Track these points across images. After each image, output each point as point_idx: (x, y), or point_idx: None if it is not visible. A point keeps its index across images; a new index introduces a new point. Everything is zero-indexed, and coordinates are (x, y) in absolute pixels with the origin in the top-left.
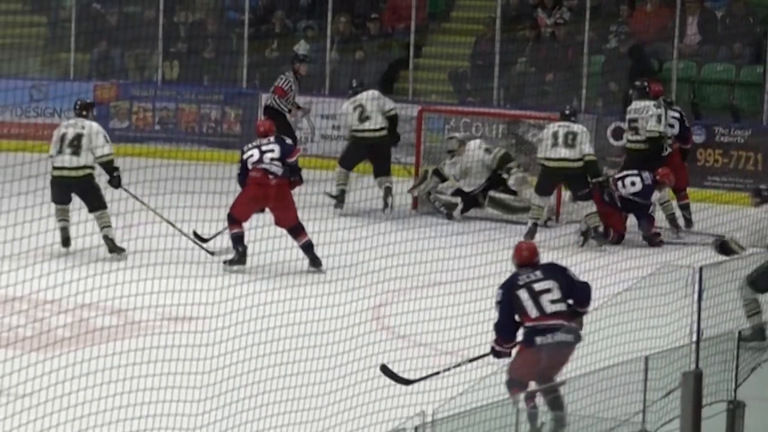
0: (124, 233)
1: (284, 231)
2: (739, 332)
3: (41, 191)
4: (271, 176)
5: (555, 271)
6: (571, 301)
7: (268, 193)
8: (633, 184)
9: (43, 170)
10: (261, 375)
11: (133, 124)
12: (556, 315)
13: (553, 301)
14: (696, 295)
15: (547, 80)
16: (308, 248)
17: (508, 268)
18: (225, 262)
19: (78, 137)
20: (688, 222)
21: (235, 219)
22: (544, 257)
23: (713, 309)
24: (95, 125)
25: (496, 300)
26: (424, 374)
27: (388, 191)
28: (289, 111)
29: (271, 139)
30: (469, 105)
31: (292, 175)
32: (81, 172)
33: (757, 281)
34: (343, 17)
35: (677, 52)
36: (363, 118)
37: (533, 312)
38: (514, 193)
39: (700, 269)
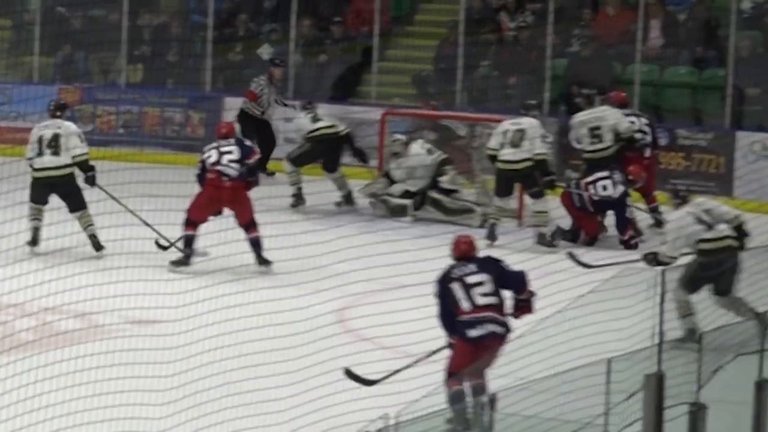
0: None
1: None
2: (700, 335)
3: (5, 195)
4: (225, 178)
5: (489, 265)
6: (507, 294)
7: (222, 195)
8: (605, 188)
9: (6, 173)
10: (226, 378)
11: (97, 127)
12: (487, 308)
13: (484, 294)
14: (658, 298)
15: (510, 83)
16: (255, 244)
17: None
18: (170, 262)
19: (56, 137)
20: (659, 223)
21: (191, 221)
22: (510, 260)
23: (676, 311)
24: (71, 125)
25: (435, 293)
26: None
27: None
28: (262, 113)
29: (231, 141)
30: (430, 108)
31: (249, 176)
32: (64, 171)
33: (689, 283)
34: (306, 20)
35: (640, 56)
36: (316, 119)
37: (465, 305)
38: (453, 193)
39: (663, 272)
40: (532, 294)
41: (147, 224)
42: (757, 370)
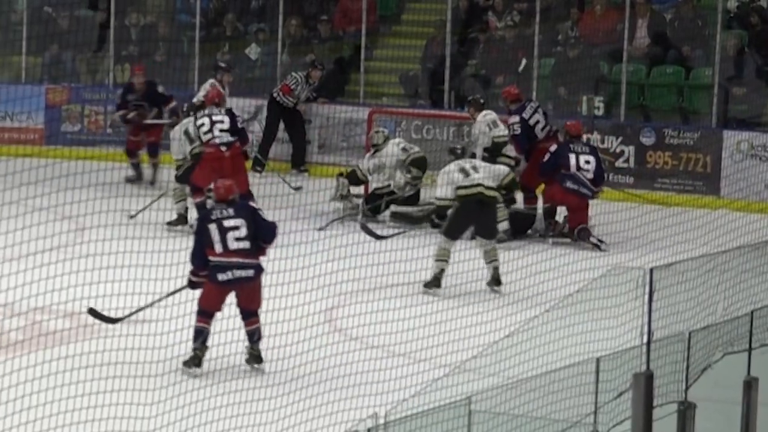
0: (77, 237)
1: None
2: (690, 333)
3: None
4: (224, 148)
5: (246, 211)
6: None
7: (224, 165)
8: (588, 162)
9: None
10: (216, 377)
11: (85, 127)
12: (237, 252)
13: (238, 239)
14: (647, 297)
15: (497, 82)
16: None
17: (460, 270)
18: (167, 223)
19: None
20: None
21: (197, 186)
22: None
23: (664, 310)
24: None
25: (194, 231)
26: (378, 376)
27: None
28: (295, 105)
29: (222, 110)
30: (420, 107)
31: (240, 137)
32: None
33: (449, 230)
34: (294, 20)
35: (627, 55)
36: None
37: (218, 247)
38: (415, 202)
39: (651, 270)
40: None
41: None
42: (746, 368)
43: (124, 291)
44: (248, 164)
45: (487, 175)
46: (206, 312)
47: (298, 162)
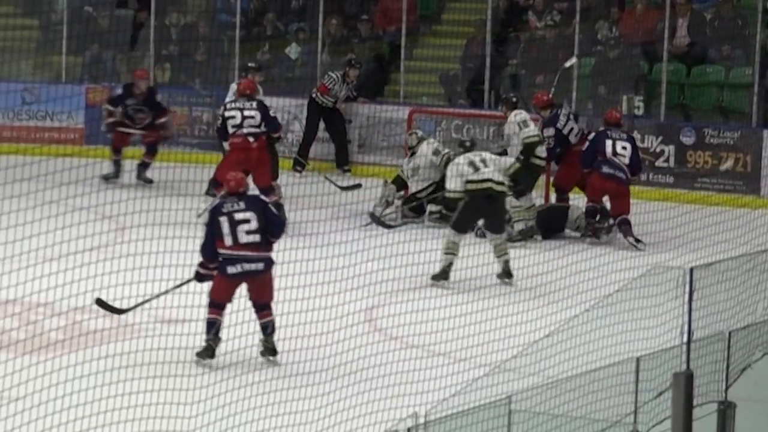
0: (117, 236)
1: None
2: (730, 333)
3: (34, 194)
4: (252, 139)
5: (257, 204)
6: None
7: (250, 156)
8: (624, 148)
9: (35, 173)
10: (256, 376)
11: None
12: (248, 246)
13: (248, 232)
14: (687, 296)
15: (537, 82)
16: (278, 207)
17: (499, 269)
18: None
19: None
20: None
21: (220, 182)
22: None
23: (704, 310)
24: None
25: (204, 223)
26: (418, 376)
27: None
28: (334, 104)
29: (254, 104)
30: (459, 107)
31: (270, 126)
32: None
33: (457, 223)
34: (334, 19)
35: (667, 54)
36: None
37: (228, 240)
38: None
39: (691, 270)
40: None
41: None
42: None
43: (165, 290)
44: (288, 164)
45: (496, 168)
46: (217, 304)
47: (342, 162)
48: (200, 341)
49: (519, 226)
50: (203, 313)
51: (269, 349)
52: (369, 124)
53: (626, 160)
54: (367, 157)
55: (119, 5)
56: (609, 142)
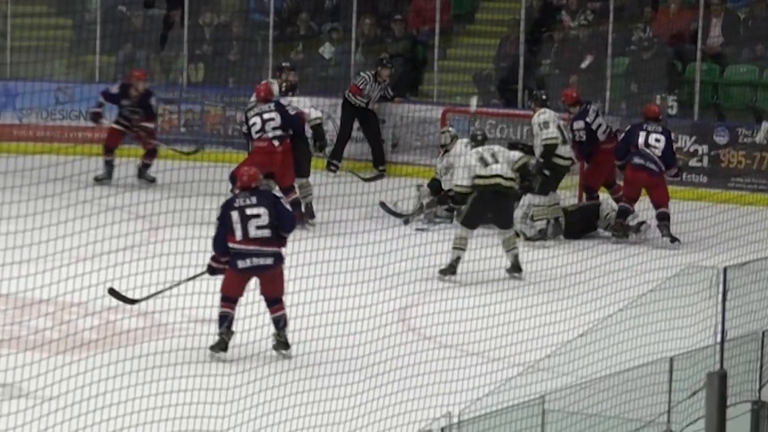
0: (150, 236)
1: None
2: (763, 332)
3: (68, 194)
4: (276, 142)
5: (268, 199)
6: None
7: (274, 159)
8: (658, 140)
9: (69, 173)
10: (290, 376)
11: (159, 126)
12: (257, 240)
13: (259, 227)
14: (720, 296)
15: (571, 82)
16: (295, 206)
17: (535, 269)
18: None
19: None
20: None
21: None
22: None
23: (737, 309)
24: (302, 100)
25: (217, 217)
26: (451, 376)
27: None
28: (367, 104)
29: (272, 106)
30: (493, 106)
31: (294, 129)
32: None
33: (467, 219)
34: (367, 19)
35: (700, 54)
36: None
37: (239, 234)
38: None
39: (725, 270)
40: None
41: None
42: None
43: (197, 290)
44: (322, 163)
45: (505, 164)
46: (229, 298)
47: (378, 161)
48: (235, 341)
49: (539, 225)
50: (237, 313)
51: (281, 343)
52: (402, 124)
53: (658, 152)
54: (401, 156)
55: (147, 5)
56: (643, 134)
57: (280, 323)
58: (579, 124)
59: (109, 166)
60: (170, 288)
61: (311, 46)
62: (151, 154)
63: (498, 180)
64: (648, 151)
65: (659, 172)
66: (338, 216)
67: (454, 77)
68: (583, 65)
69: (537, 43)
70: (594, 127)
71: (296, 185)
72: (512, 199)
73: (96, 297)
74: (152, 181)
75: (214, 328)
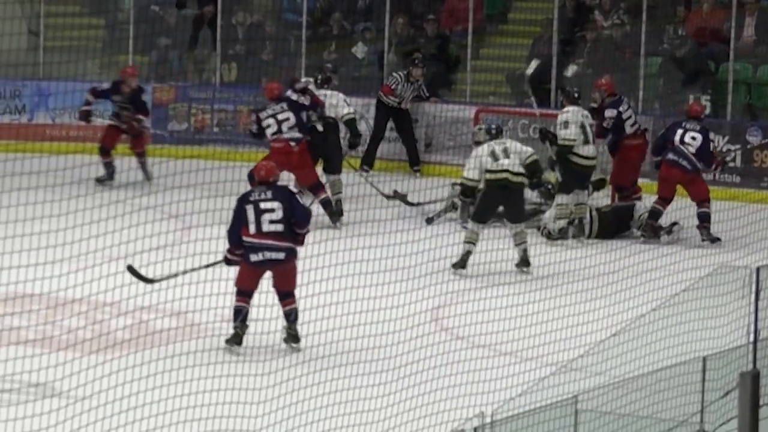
0: (183, 236)
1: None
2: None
3: (100, 193)
4: (293, 143)
5: (283, 194)
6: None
7: (291, 160)
8: (694, 138)
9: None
10: (323, 375)
11: (192, 126)
12: (270, 235)
13: (272, 222)
14: (753, 296)
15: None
16: (326, 204)
17: (568, 269)
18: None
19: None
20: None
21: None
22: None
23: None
24: (336, 94)
25: (233, 209)
26: (484, 375)
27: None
28: (400, 104)
29: (284, 106)
30: (526, 106)
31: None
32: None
33: (477, 214)
34: (400, 19)
35: (733, 53)
36: None
37: (252, 228)
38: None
39: (758, 270)
40: (308, 231)
41: None
42: None
43: (230, 290)
44: (356, 163)
45: (515, 160)
46: (243, 291)
47: (413, 162)
48: (266, 341)
49: (560, 224)
50: (269, 313)
51: (292, 336)
52: (435, 124)
53: (692, 149)
54: (434, 156)
55: (179, 6)
56: (679, 131)
57: (291, 316)
58: (611, 112)
59: (109, 167)
60: (188, 272)
61: (344, 45)
62: (141, 154)
63: (506, 175)
64: (682, 148)
65: (692, 170)
66: (370, 215)
67: (486, 77)
68: (529, 71)
69: (570, 42)
70: (624, 117)
71: (326, 182)
72: (522, 194)
73: (129, 297)
74: (150, 179)
75: (247, 327)
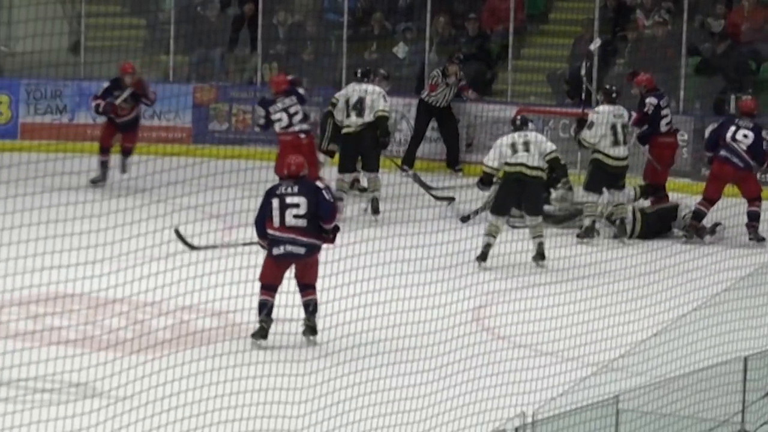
0: (224, 235)
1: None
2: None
3: (141, 193)
4: (303, 135)
5: (309, 189)
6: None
7: (302, 151)
8: (746, 136)
9: (142, 171)
10: (364, 375)
11: (233, 126)
12: (292, 229)
13: (296, 216)
14: None
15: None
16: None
17: (609, 269)
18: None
19: (361, 100)
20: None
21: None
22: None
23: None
24: (376, 88)
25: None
26: (525, 375)
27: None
28: (441, 102)
29: (294, 99)
30: (567, 106)
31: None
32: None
33: (495, 207)
34: (441, 18)
35: None
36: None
37: (276, 221)
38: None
39: None
40: (337, 228)
41: None
42: None
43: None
44: (391, 162)
45: (535, 154)
46: (267, 285)
47: (453, 161)
48: (307, 341)
49: (586, 222)
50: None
51: (310, 328)
52: (476, 123)
53: (744, 147)
54: (475, 156)
55: (223, 5)
56: (732, 128)
57: (309, 308)
58: (652, 100)
59: (104, 167)
60: (228, 246)
61: (385, 45)
62: (129, 150)
63: (521, 168)
64: (735, 145)
65: (745, 167)
66: (412, 215)
67: (527, 77)
68: (593, 47)
69: (611, 42)
70: (662, 113)
71: (365, 179)
72: (539, 188)
73: (170, 296)
74: (125, 172)
75: (287, 328)
